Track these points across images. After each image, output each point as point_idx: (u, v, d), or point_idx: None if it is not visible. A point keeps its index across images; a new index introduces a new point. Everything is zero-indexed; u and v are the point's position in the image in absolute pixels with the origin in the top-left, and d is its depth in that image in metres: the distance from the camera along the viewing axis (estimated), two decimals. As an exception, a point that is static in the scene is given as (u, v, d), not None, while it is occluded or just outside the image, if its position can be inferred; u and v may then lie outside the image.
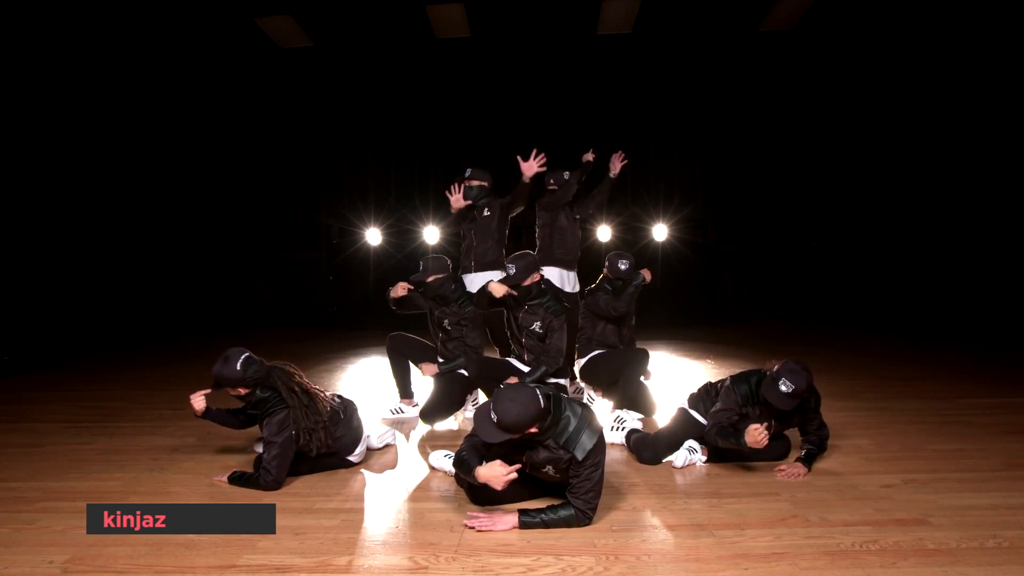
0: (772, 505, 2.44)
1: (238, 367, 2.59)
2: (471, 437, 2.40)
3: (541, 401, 2.13)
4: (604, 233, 5.46)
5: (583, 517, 2.24)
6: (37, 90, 5.95)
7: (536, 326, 3.50)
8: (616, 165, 4.31)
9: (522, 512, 2.25)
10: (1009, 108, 7.11)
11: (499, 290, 3.43)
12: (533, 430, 2.15)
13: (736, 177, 8.40)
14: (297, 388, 2.71)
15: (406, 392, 3.99)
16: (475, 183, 4.16)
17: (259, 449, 2.87)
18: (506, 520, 2.23)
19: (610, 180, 4.38)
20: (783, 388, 2.64)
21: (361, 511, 2.44)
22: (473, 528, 2.23)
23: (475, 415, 2.21)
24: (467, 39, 6.80)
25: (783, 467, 2.79)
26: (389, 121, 8.37)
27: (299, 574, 1.96)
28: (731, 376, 2.91)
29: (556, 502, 2.31)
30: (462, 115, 8.29)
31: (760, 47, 7.11)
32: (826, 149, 8.31)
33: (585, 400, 4.06)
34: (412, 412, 3.87)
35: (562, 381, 3.66)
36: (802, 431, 2.90)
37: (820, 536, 2.17)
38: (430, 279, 3.68)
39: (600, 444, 2.21)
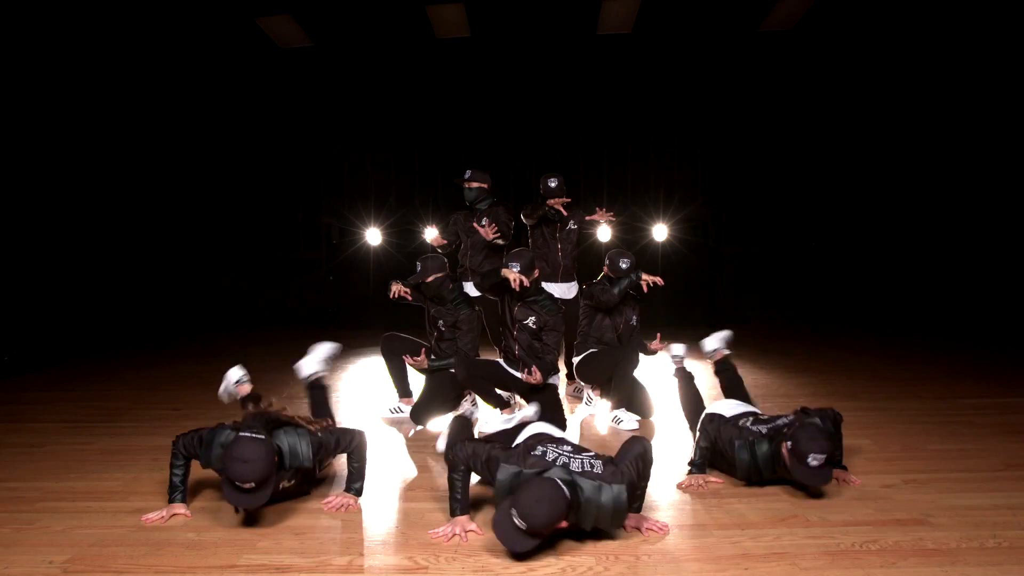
0: (772, 505, 2.44)
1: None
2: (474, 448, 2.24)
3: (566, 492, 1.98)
4: (604, 233, 5.44)
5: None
6: (38, 90, 5.95)
7: (531, 321, 3.57)
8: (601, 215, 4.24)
9: None
10: (1009, 108, 7.12)
11: (512, 275, 3.42)
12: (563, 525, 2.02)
13: (736, 177, 8.40)
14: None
15: (404, 391, 3.99)
16: (475, 185, 4.17)
17: None
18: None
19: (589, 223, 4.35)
20: (812, 463, 2.33)
21: (361, 511, 2.44)
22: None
23: (495, 523, 2.03)
24: (467, 39, 6.81)
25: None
26: (389, 121, 8.37)
27: (299, 574, 1.96)
28: (738, 438, 2.56)
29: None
30: (462, 115, 8.29)
31: (760, 47, 7.12)
32: (826, 149, 8.31)
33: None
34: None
35: (555, 381, 3.65)
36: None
37: (820, 536, 2.17)
38: (429, 279, 3.68)
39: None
